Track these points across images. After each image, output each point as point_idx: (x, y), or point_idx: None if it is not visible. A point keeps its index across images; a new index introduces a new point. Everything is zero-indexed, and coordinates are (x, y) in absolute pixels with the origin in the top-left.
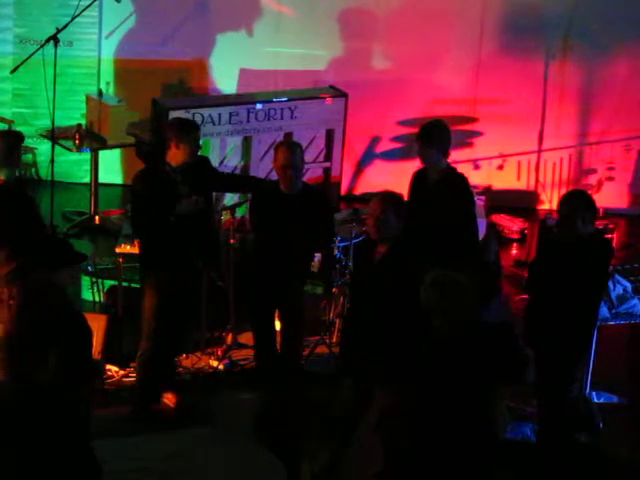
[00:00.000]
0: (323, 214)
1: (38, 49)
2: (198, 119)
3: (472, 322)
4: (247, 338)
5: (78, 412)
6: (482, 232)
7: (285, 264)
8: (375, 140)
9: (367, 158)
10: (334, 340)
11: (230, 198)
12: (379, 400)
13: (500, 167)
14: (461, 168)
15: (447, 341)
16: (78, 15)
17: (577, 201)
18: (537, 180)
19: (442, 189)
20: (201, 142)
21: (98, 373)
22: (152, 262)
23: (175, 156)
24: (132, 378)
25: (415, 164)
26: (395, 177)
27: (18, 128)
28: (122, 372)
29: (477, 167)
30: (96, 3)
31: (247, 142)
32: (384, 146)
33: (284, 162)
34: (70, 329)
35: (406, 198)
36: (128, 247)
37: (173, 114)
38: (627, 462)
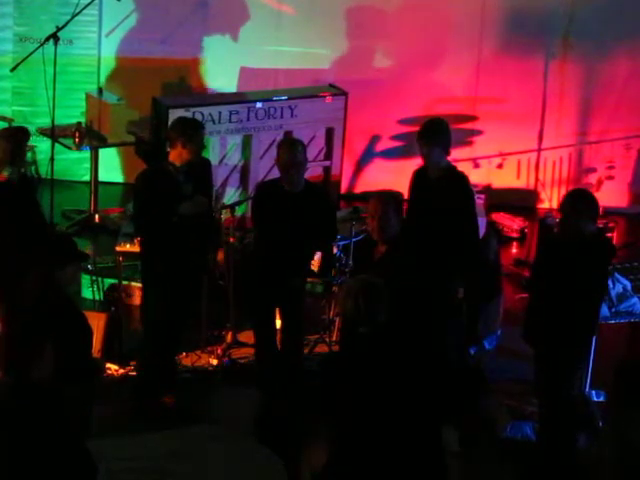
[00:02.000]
0: (326, 212)
1: (38, 47)
2: (198, 117)
3: (392, 322)
4: (247, 336)
5: (77, 411)
6: (482, 231)
7: (286, 262)
8: (375, 139)
9: (367, 157)
10: (334, 339)
11: (230, 196)
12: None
13: (500, 166)
14: (461, 167)
15: (372, 345)
16: (78, 13)
17: (579, 200)
18: (537, 179)
19: (442, 187)
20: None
21: (99, 372)
22: (153, 261)
23: (180, 155)
24: (132, 376)
25: (415, 162)
26: (395, 176)
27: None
28: (122, 370)
29: (477, 166)
30: (96, 1)
31: (247, 140)
32: (384, 145)
33: (287, 160)
34: (70, 327)
35: (406, 197)
36: (128, 246)
37: (173, 112)
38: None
